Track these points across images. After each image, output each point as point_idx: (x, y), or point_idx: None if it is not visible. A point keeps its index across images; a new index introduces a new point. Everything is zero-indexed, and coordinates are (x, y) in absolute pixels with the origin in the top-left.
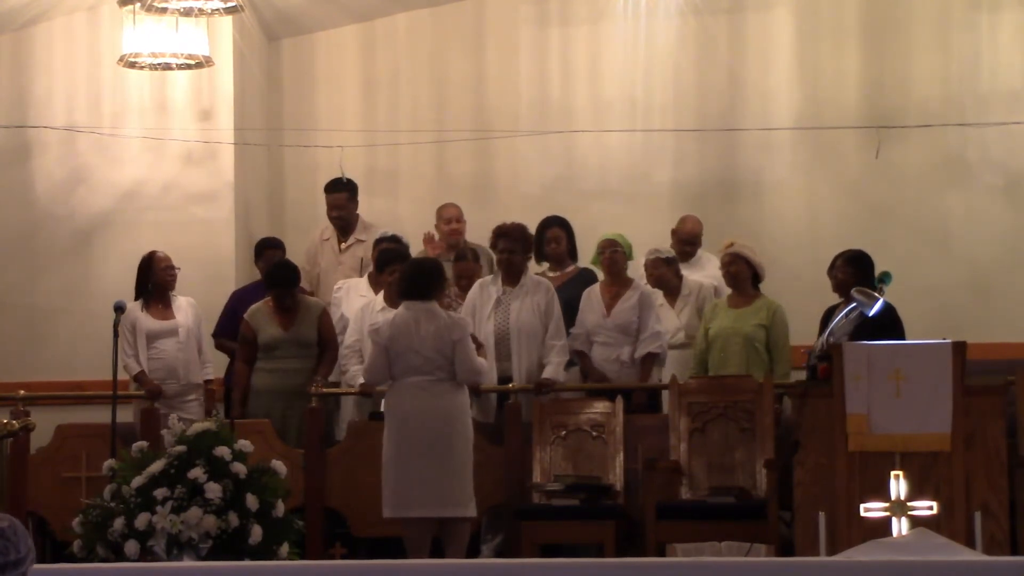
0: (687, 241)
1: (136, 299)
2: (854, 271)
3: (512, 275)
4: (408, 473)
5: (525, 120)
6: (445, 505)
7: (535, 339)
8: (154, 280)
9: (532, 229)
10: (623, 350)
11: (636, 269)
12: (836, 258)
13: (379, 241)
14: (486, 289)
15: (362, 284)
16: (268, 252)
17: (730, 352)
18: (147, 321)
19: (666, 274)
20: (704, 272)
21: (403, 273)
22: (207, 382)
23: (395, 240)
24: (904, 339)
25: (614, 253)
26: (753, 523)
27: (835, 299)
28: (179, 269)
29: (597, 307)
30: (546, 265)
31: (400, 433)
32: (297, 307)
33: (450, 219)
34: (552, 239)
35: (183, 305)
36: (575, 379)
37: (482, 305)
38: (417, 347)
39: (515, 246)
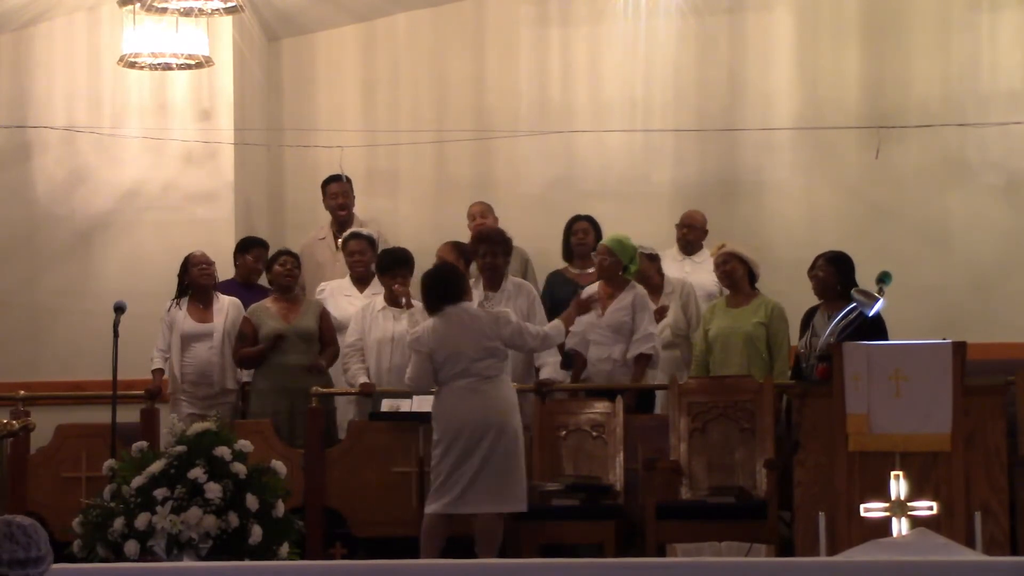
0: (684, 225)
1: (176, 300)
2: (835, 271)
3: (494, 280)
4: (462, 473)
5: (525, 120)
6: (501, 501)
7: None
8: (190, 281)
9: (531, 229)
10: (615, 349)
11: None
12: (817, 258)
13: (352, 236)
14: None
15: (345, 284)
16: (256, 250)
17: (731, 352)
18: (185, 322)
19: (647, 269)
20: (707, 270)
21: (427, 286)
22: (243, 384)
23: (370, 240)
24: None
25: (602, 260)
26: (753, 523)
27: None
28: (214, 264)
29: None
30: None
31: (452, 436)
32: (299, 301)
33: (474, 215)
34: (580, 231)
35: (225, 306)
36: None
37: None
38: (462, 350)
39: (496, 249)
